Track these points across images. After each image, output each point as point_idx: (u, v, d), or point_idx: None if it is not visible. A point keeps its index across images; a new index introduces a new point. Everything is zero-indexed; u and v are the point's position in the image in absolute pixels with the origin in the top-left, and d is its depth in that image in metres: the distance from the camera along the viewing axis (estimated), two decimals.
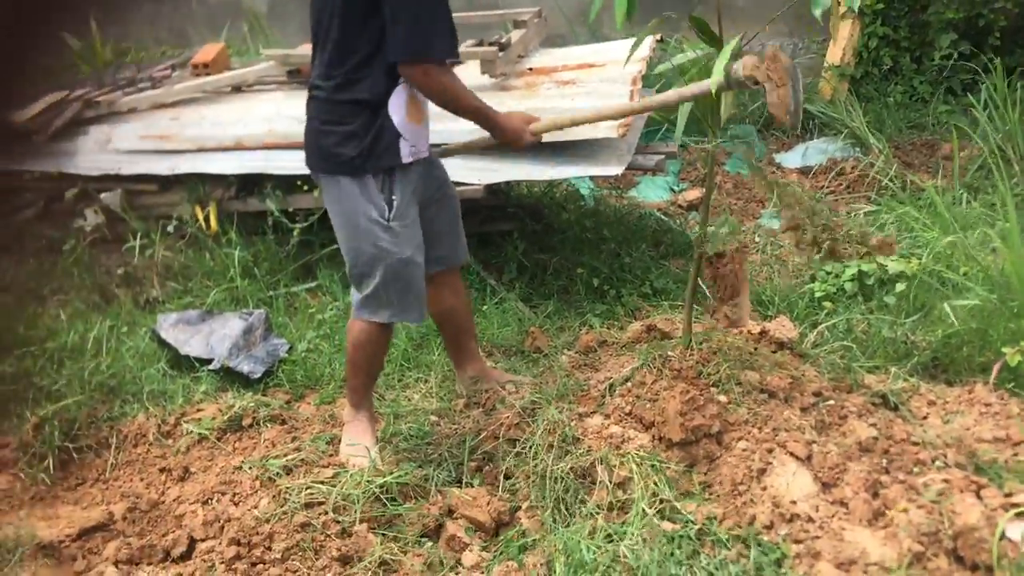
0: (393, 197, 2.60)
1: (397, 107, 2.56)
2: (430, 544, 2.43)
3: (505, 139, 2.74)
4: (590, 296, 3.80)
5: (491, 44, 4.23)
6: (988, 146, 4.49)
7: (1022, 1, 5.57)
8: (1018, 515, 2.12)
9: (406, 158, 2.60)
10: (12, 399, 3.29)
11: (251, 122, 4.17)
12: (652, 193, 5.10)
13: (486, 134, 2.78)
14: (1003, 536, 2.08)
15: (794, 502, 2.25)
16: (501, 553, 2.37)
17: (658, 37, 4.47)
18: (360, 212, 2.59)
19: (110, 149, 4.33)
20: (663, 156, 3.93)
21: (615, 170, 3.57)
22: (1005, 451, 2.40)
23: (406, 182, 2.63)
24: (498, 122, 2.70)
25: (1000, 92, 4.58)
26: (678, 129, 2.61)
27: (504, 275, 3.96)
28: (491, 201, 3.85)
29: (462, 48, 4.53)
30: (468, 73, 4.42)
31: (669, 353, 2.76)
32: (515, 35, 4.41)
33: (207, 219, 4.17)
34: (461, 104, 2.62)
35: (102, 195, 4.28)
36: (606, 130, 3.52)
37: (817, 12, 2.03)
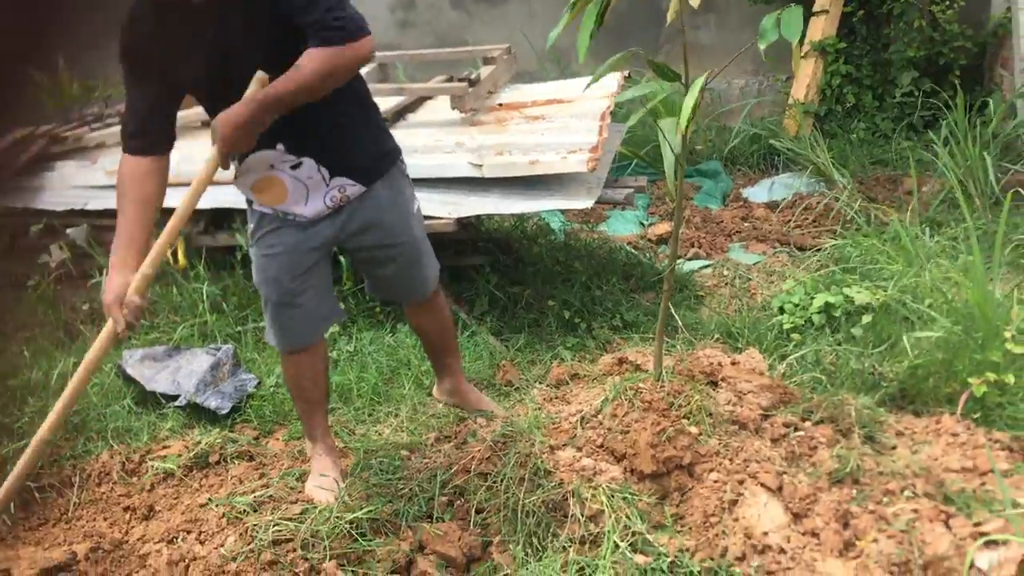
0: (251, 222, 2.65)
1: (245, 193, 2.62)
2: None
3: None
4: (561, 329, 3.81)
5: (461, 80, 4.27)
6: (950, 181, 4.58)
7: (981, 40, 5.72)
8: (987, 544, 2.13)
9: (258, 206, 2.62)
10: None
11: None
12: (622, 227, 5.14)
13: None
14: (972, 565, 2.09)
15: (766, 533, 2.25)
16: None
17: (626, 73, 4.54)
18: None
19: (76, 184, 4.30)
20: (632, 190, 3.98)
21: (584, 203, 3.60)
22: (973, 480, 2.42)
23: (267, 220, 2.62)
24: (111, 257, 2.39)
25: (961, 128, 4.67)
26: (668, 175, 2.48)
27: (475, 309, 3.95)
28: (462, 235, 3.86)
29: (433, 83, 4.57)
30: (439, 108, 4.46)
31: (640, 385, 2.76)
32: (484, 71, 4.46)
33: (175, 254, 4.14)
34: (118, 203, 2.44)
35: (68, 231, 4.23)
36: (576, 164, 3.55)
37: (762, 46, 2.06)
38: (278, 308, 2.67)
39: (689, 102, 2.07)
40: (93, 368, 2.34)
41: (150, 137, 2.43)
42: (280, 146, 2.45)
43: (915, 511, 2.27)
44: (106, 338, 2.30)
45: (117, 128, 4.60)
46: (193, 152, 4.26)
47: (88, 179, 4.28)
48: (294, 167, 2.49)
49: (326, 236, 2.64)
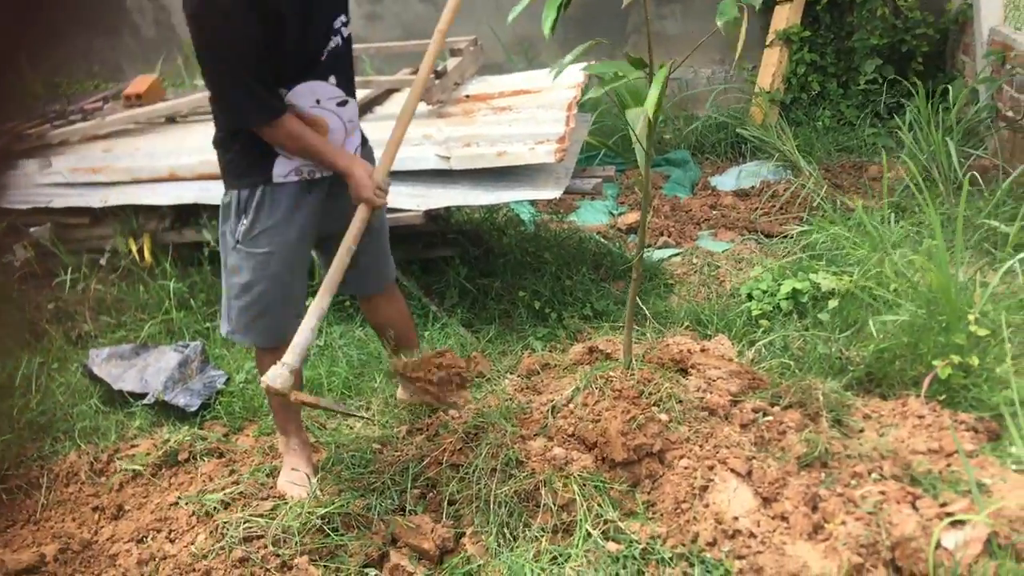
0: (244, 219, 2.57)
1: None
2: (374, 574, 2.39)
3: (352, 191, 2.57)
4: (532, 320, 3.81)
5: None
6: (915, 167, 4.62)
7: (943, 27, 5.78)
8: (953, 524, 2.17)
9: (281, 177, 2.55)
10: None
11: (185, 153, 4.12)
12: (592, 217, 5.14)
13: None
14: (939, 545, 2.12)
15: (736, 518, 2.27)
16: None
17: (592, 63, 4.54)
18: (226, 227, 2.63)
19: (40, 182, 4.24)
20: (600, 180, 3.98)
21: (553, 193, 3.59)
22: (939, 462, 2.45)
23: (272, 206, 2.56)
24: (345, 171, 2.55)
25: (924, 115, 4.72)
26: (642, 165, 2.49)
27: (445, 300, 3.95)
28: (431, 227, 3.85)
29: (400, 75, 4.54)
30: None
31: (610, 374, 2.78)
32: (451, 63, 4.44)
33: (141, 251, 4.09)
34: (305, 147, 2.50)
35: (32, 229, 4.17)
36: (543, 155, 3.55)
37: (720, 22, 2.08)
38: (275, 305, 2.66)
39: (655, 91, 2.07)
40: (356, 243, 2.59)
41: (275, 92, 2.46)
42: (333, 79, 2.52)
43: (882, 493, 2.29)
44: (366, 216, 2.60)
45: (81, 125, 4.54)
46: (156, 148, 4.22)
47: (52, 177, 4.22)
48: (341, 104, 2.56)
49: (314, 228, 2.67)
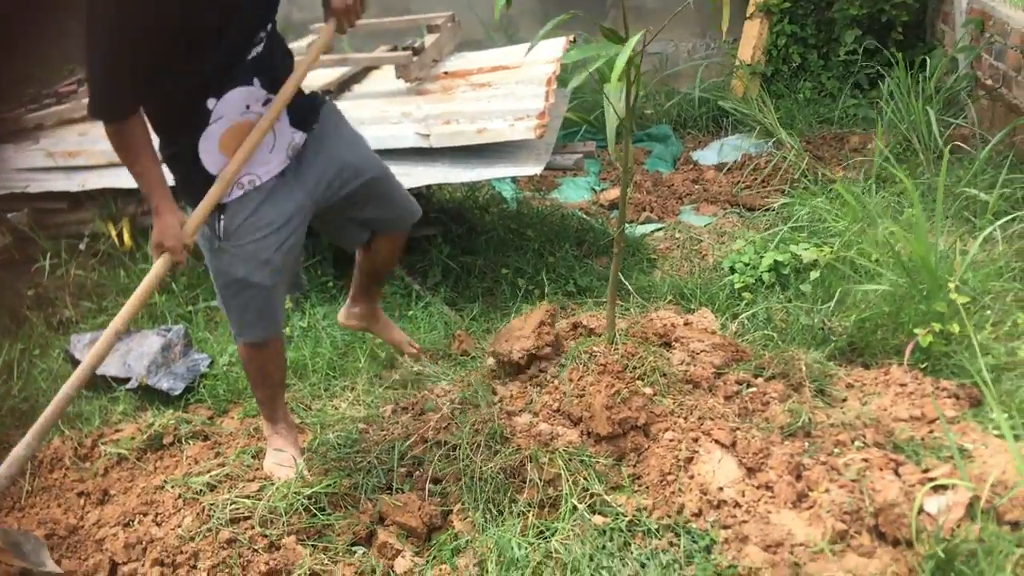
0: (222, 218, 2.51)
1: (209, 149, 2.43)
2: (361, 552, 2.39)
3: (154, 235, 2.44)
4: (515, 297, 3.81)
5: (405, 49, 4.22)
6: (895, 137, 4.64)
7: None
8: (935, 490, 2.19)
9: (233, 196, 2.49)
10: None
11: None
12: (574, 194, 5.13)
13: None
14: (921, 511, 2.14)
15: (721, 488, 2.28)
16: (434, 557, 2.35)
17: (571, 38, 4.52)
18: (201, 232, 2.55)
19: (16, 167, 4.19)
20: (581, 155, 3.97)
21: (534, 170, 3.58)
22: (921, 429, 2.48)
23: (242, 206, 2.51)
24: (156, 210, 2.40)
25: (903, 85, 4.73)
26: (610, 139, 2.48)
27: (429, 279, 3.94)
28: None
29: (377, 53, 4.50)
30: (384, 78, 4.40)
31: (595, 349, 2.78)
32: (429, 39, 4.41)
33: (120, 235, 4.06)
34: (134, 166, 2.39)
35: (9, 215, 4.13)
36: (524, 131, 3.53)
37: None
38: (267, 292, 2.61)
39: (622, 58, 2.06)
40: (146, 300, 2.48)
41: (140, 94, 2.34)
42: (256, 81, 2.44)
43: (865, 460, 2.31)
44: (162, 271, 2.45)
45: (55, 108, 4.48)
46: None
47: (28, 161, 4.17)
48: (265, 104, 2.48)
49: (300, 203, 2.61)
